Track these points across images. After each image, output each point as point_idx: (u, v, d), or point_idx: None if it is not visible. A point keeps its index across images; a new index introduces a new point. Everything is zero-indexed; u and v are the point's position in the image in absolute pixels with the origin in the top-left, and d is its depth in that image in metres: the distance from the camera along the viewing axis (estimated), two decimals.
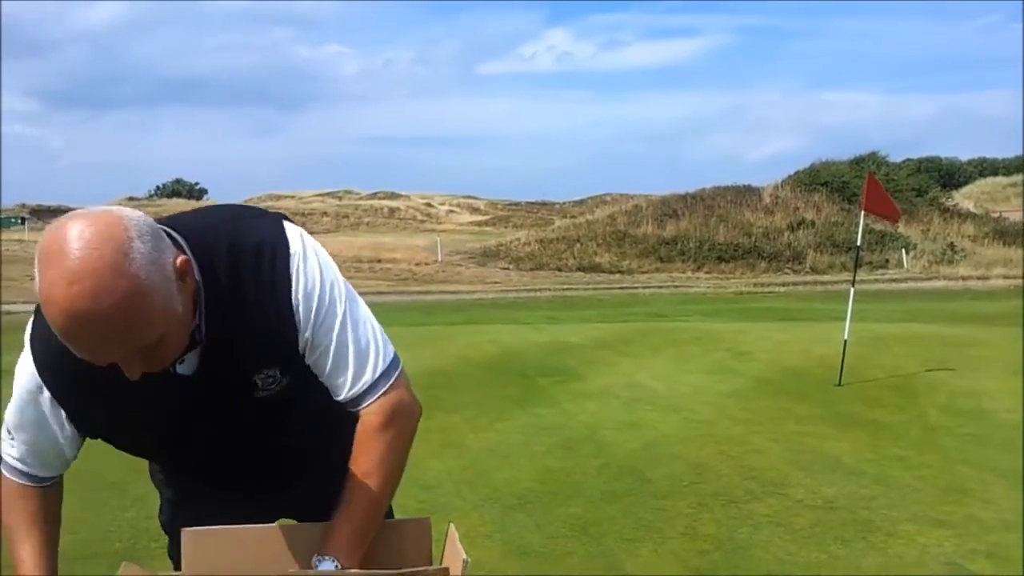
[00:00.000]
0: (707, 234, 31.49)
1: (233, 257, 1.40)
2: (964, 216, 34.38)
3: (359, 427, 1.52)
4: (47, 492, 1.58)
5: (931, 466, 5.34)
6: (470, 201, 71.21)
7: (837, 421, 6.48)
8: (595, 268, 30.20)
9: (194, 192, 68.37)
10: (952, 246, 30.50)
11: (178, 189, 68.01)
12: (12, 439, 1.52)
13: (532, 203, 69.53)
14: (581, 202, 61.92)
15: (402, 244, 36.93)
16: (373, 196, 67.52)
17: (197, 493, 1.74)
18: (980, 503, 4.64)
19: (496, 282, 27.23)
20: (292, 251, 1.45)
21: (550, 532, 4.26)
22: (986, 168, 48.99)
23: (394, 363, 1.55)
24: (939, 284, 24.74)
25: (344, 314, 1.48)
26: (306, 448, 1.66)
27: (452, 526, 1.54)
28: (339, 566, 1.43)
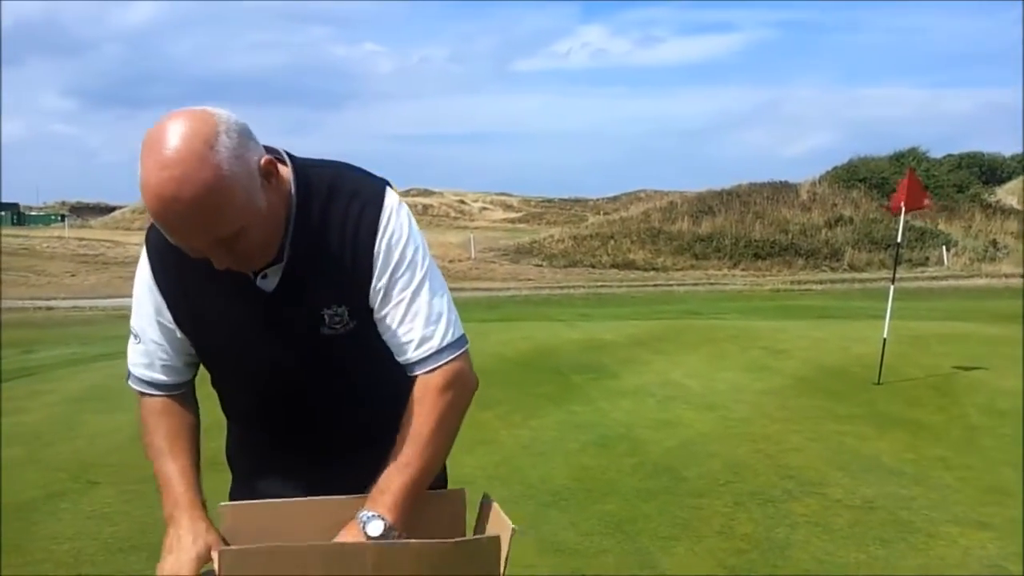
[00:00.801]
0: (743, 231, 31.23)
1: (330, 193, 1.50)
2: (1007, 213, 33.73)
3: (416, 389, 1.54)
4: (182, 405, 1.65)
5: (972, 467, 5.25)
6: (503, 198, 71.29)
7: (876, 420, 6.40)
8: (629, 265, 30.08)
9: None
10: (994, 243, 29.97)
11: None
12: (137, 340, 1.63)
13: (565, 200, 69.49)
14: (615, 199, 61.73)
15: (435, 241, 37.01)
16: (406, 193, 67.85)
17: (263, 456, 1.73)
18: (1023, 505, 4.55)
19: (530, 279, 27.23)
20: (386, 204, 1.52)
21: (585, 529, 4.24)
22: None
23: (463, 339, 1.60)
24: (981, 282, 24.33)
25: (423, 278, 1.54)
26: (366, 414, 1.66)
27: (488, 497, 1.54)
28: (387, 524, 1.43)
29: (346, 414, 1.65)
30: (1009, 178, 43.06)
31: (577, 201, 67.45)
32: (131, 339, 1.64)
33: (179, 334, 1.60)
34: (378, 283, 1.51)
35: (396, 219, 1.52)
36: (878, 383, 7.56)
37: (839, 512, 4.46)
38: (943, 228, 31.00)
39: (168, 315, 1.58)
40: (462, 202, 66.09)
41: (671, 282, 26.10)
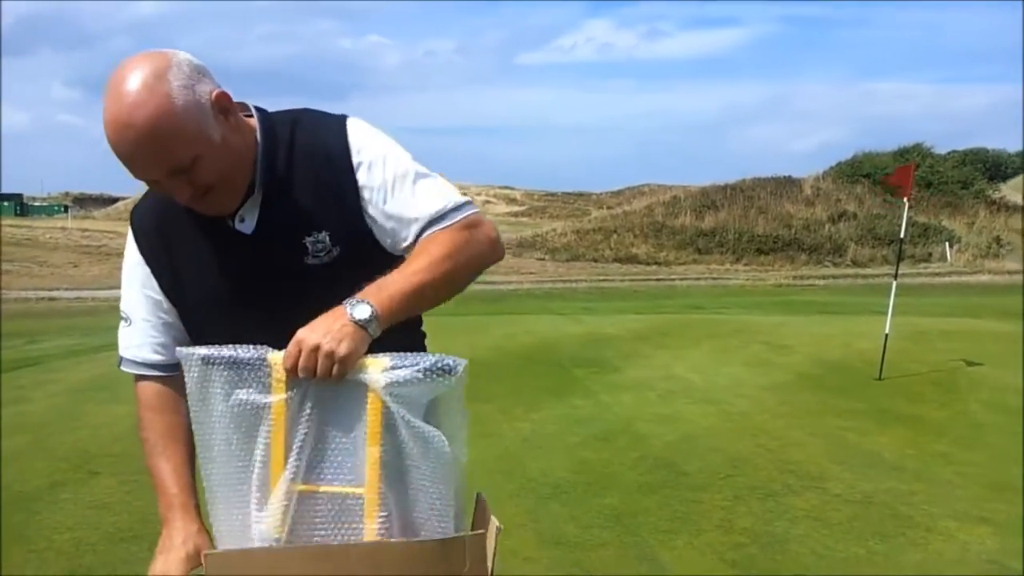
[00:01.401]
0: (746, 226, 31.18)
1: (294, 128, 1.56)
2: (1011, 209, 33.63)
3: (429, 235, 1.53)
4: (176, 398, 1.62)
5: (973, 463, 5.24)
6: (507, 191, 71.19)
7: (877, 416, 6.39)
8: (632, 259, 30.06)
9: None
10: (998, 240, 29.89)
11: None
12: (128, 323, 1.65)
13: (569, 194, 69.38)
14: (618, 193, 61.61)
15: None
16: None
17: None
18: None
19: (532, 273, 27.20)
20: (350, 123, 1.57)
21: (585, 522, 4.25)
22: None
23: (470, 204, 1.59)
24: (984, 279, 24.30)
25: (413, 164, 1.58)
26: None
27: (482, 495, 1.55)
28: (374, 312, 1.40)
29: None
30: (1014, 174, 42.97)
31: (580, 195, 67.36)
32: (121, 324, 1.66)
33: (166, 304, 1.62)
34: (373, 184, 1.54)
35: (365, 132, 1.57)
36: (880, 378, 7.56)
37: (839, 507, 4.46)
38: (947, 224, 30.92)
39: (155, 284, 1.61)
40: (465, 195, 65.95)
41: (673, 276, 26.08)
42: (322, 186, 1.53)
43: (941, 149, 37.61)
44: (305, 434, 1.40)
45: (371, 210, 1.54)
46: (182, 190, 1.44)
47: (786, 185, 34.77)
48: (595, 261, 30.34)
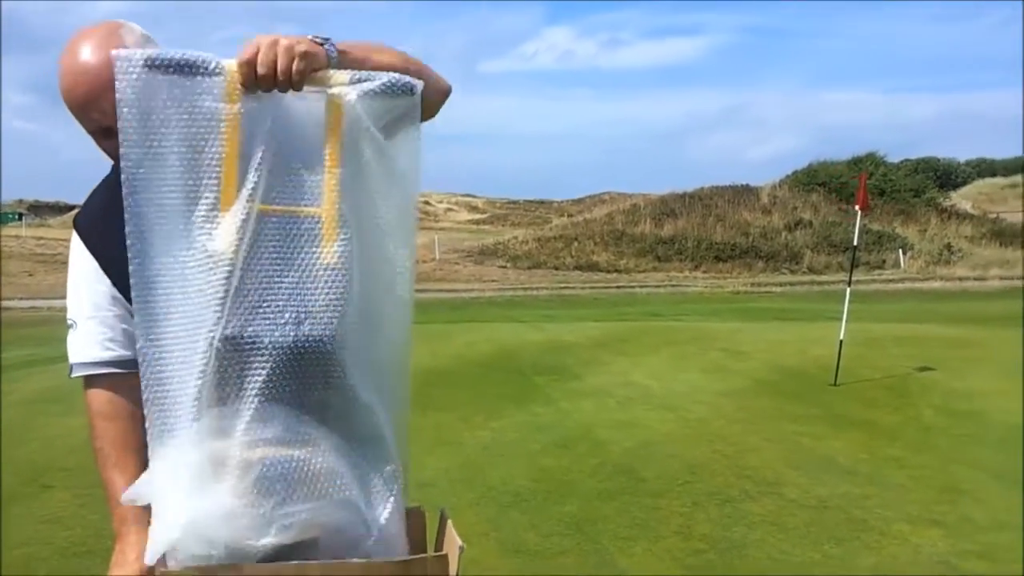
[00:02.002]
0: (705, 233, 31.48)
1: None
2: (962, 217, 34.37)
3: None
4: (129, 404, 1.57)
5: (926, 466, 5.35)
6: (468, 199, 71.16)
7: (832, 421, 6.50)
8: (593, 267, 30.18)
9: None
10: (949, 247, 30.50)
11: None
12: (74, 328, 1.60)
13: (530, 201, 69.51)
14: (579, 201, 61.88)
15: None
16: None
17: None
18: (974, 503, 4.66)
19: (493, 280, 27.21)
20: None
21: (545, 530, 4.27)
22: (984, 169, 48.96)
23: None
24: (936, 285, 24.77)
25: None
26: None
27: (445, 511, 1.53)
28: (332, 40, 1.38)
29: None
30: (964, 183, 43.99)
31: (542, 203, 67.52)
32: (69, 335, 1.61)
33: (116, 293, 1.58)
34: None
35: None
36: (835, 384, 7.68)
37: (795, 512, 4.53)
38: (900, 231, 31.48)
39: (104, 277, 1.58)
40: (427, 203, 65.84)
41: (633, 284, 26.24)
42: None
43: (894, 158, 38.42)
44: (263, 150, 1.31)
45: None
46: None
47: (743, 193, 35.18)
48: (556, 269, 30.41)
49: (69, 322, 1.62)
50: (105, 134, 1.48)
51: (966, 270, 27.70)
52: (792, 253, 30.38)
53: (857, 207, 8.29)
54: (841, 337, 7.92)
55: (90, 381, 1.60)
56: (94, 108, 1.46)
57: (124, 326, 1.59)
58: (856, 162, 34.71)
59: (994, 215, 35.39)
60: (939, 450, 5.72)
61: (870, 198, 9.13)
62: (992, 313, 14.89)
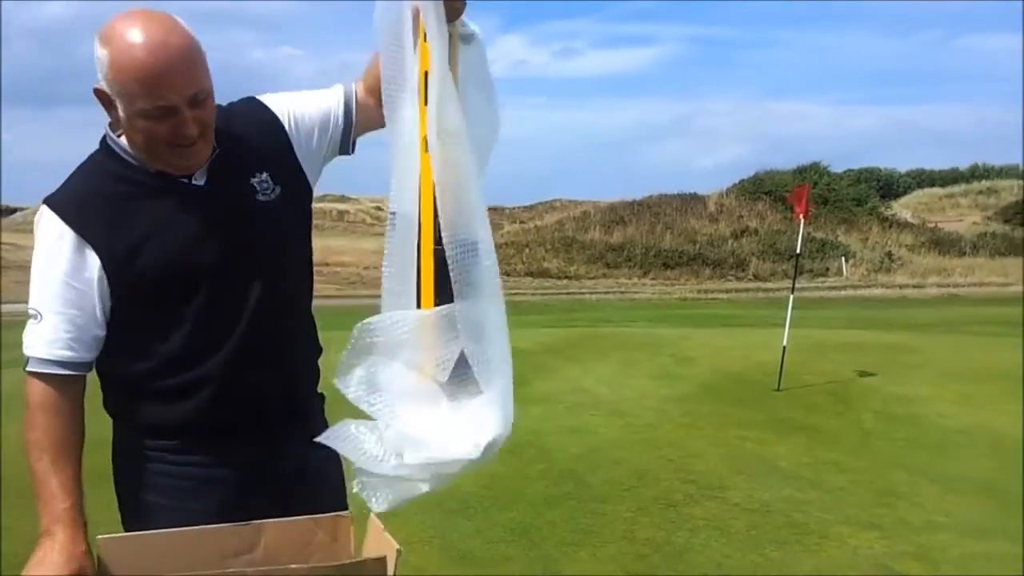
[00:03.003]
0: (653, 241, 31.80)
1: (229, 105, 1.78)
2: (902, 226, 35.19)
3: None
4: (73, 405, 1.60)
5: (864, 470, 5.47)
6: None
7: (775, 426, 6.60)
8: (543, 274, 30.30)
9: None
10: (890, 255, 31.20)
11: None
12: (38, 320, 1.58)
13: None
14: (531, 207, 61.86)
15: (351, 247, 36.59)
16: (322, 199, 66.60)
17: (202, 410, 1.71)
18: (910, 506, 4.77)
19: None
20: (262, 95, 1.84)
21: (491, 537, 4.27)
22: (923, 179, 50.15)
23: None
24: (877, 292, 25.33)
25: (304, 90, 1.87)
26: (303, 353, 1.82)
27: (373, 516, 1.54)
28: None
29: (290, 343, 1.78)
30: (904, 192, 45.00)
31: (494, 209, 67.31)
32: (30, 324, 1.59)
33: (93, 293, 1.60)
34: (292, 111, 1.79)
35: (272, 95, 1.82)
36: (778, 389, 7.80)
37: (737, 516, 4.59)
38: (843, 240, 32.12)
39: (89, 266, 1.59)
40: (379, 208, 65.37)
41: (583, 291, 26.41)
42: (257, 135, 1.74)
43: (837, 168, 39.11)
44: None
45: (296, 132, 1.78)
46: (191, 126, 1.56)
47: (691, 202, 35.63)
48: (507, 275, 30.44)
49: (32, 311, 1.59)
50: (164, 112, 1.55)
51: (905, 278, 28.37)
52: (738, 260, 30.82)
53: (799, 215, 8.44)
54: (784, 343, 8.05)
55: (40, 375, 1.59)
56: (170, 81, 1.52)
57: (93, 331, 1.61)
58: (801, 171, 35.34)
59: (932, 224, 36.32)
60: (878, 454, 5.85)
61: (812, 207, 9.31)
62: (930, 320, 15.28)
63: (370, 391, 1.45)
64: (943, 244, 32.92)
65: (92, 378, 1.68)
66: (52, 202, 1.62)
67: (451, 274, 1.46)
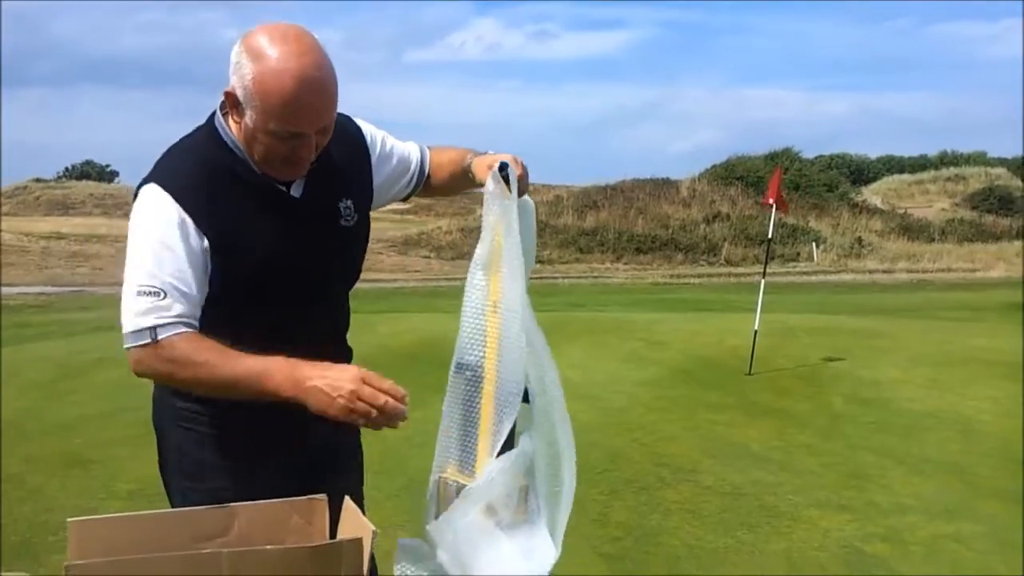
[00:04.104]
0: (626, 226, 31.88)
1: None
2: (872, 212, 35.56)
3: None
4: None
5: (834, 453, 5.52)
6: None
7: (746, 409, 6.65)
8: None
9: (104, 174, 65.82)
10: (860, 240, 31.53)
11: (88, 171, 65.40)
12: (162, 296, 1.59)
13: None
14: None
15: None
16: None
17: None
18: (879, 488, 4.82)
19: (417, 271, 27.11)
20: (356, 118, 1.94)
21: None
22: (893, 165, 50.72)
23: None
24: (847, 277, 25.59)
25: (390, 136, 2.01)
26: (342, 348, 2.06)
27: (348, 499, 1.55)
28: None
29: (339, 335, 2.08)
30: (874, 178, 45.50)
31: (466, 193, 67.31)
32: (141, 300, 1.59)
33: (201, 273, 1.64)
34: (382, 151, 1.94)
35: (366, 123, 1.94)
36: (749, 373, 7.86)
37: (709, 499, 4.62)
38: (813, 225, 32.40)
39: (202, 244, 1.64)
40: None
41: (556, 275, 26.43)
42: (348, 161, 1.84)
43: (809, 154, 39.53)
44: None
45: (376, 172, 1.92)
46: (310, 148, 1.65)
47: (663, 186, 35.71)
48: None
49: (154, 289, 1.58)
50: (290, 137, 1.62)
51: (875, 263, 28.70)
52: (710, 245, 30.99)
53: (771, 201, 8.47)
54: (756, 328, 8.11)
55: (179, 334, 1.60)
56: (311, 111, 1.60)
57: (203, 312, 1.66)
58: (773, 157, 35.57)
59: (902, 210, 36.73)
60: (847, 437, 5.91)
61: (784, 192, 9.36)
62: (899, 305, 15.47)
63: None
64: (912, 230, 33.34)
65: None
66: (165, 183, 1.65)
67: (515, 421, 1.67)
